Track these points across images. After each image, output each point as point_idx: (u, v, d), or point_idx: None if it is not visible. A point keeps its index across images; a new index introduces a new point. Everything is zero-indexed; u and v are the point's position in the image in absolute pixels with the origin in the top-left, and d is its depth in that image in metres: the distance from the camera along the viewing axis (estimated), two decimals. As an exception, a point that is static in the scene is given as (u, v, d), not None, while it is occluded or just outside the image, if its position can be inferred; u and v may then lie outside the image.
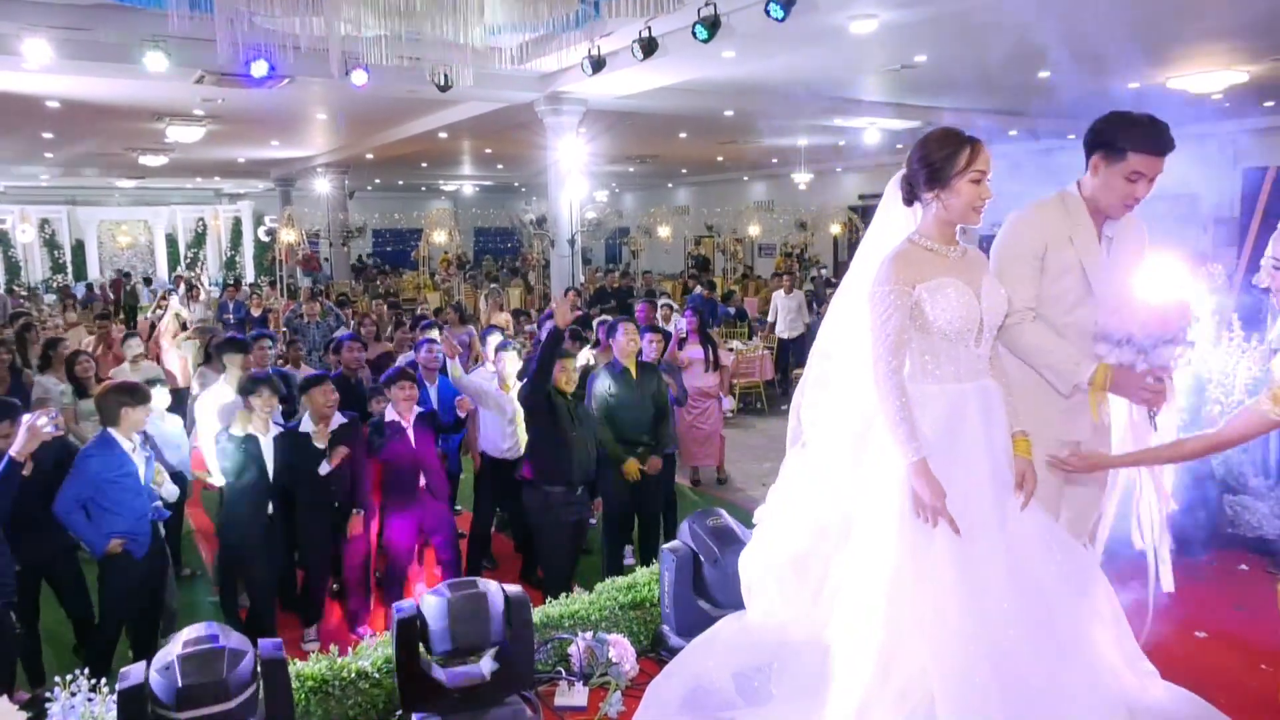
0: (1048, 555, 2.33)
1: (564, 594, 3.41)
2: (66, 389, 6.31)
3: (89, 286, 21.60)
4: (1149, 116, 2.60)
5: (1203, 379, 4.63)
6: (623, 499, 5.33)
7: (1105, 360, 2.57)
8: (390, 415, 5.03)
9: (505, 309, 12.21)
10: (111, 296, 19.67)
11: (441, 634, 2.52)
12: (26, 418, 3.59)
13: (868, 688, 2.26)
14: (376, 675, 2.73)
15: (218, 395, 5.49)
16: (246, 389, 4.81)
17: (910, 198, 2.49)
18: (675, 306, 11.16)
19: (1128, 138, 2.58)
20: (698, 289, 14.41)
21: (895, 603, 2.28)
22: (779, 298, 11.96)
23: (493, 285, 15.62)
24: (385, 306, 12.63)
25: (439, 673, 2.62)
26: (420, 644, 2.57)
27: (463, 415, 5.43)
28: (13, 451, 3.57)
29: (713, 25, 7.62)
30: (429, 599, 2.61)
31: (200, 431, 5.46)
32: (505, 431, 5.59)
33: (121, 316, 16.05)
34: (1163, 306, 2.54)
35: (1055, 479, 2.63)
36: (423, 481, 5.01)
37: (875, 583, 2.33)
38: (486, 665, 2.66)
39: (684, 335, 7.65)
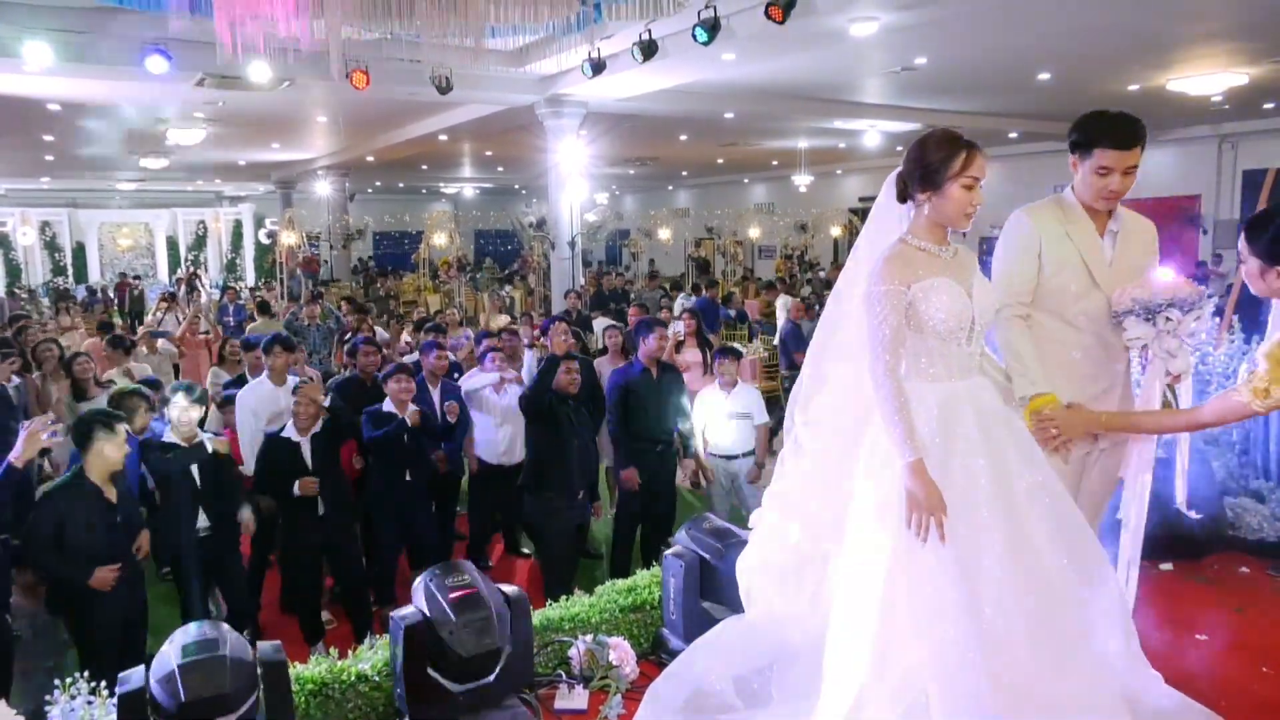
0: (1054, 550, 2.31)
1: (564, 597, 3.41)
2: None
3: (90, 289, 21.59)
4: (1119, 112, 2.68)
5: (1204, 379, 4.63)
6: (635, 500, 5.35)
7: (1129, 335, 2.65)
8: (387, 407, 5.14)
9: (505, 310, 12.22)
10: (115, 299, 19.66)
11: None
12: (27, 423, 3.58)
13: (863, 684, 2.25)
14: (376, 678, 2.72)
15: (256, 390, 5.75)
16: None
17: (903, 196, 2.50)
18: (674, 308, 11.18)
19: (1093, 133, 2.66)
20: (700, 292, 14.41)
21: (891, 599, 2.26)
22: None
23: (493, 287, 15.62)
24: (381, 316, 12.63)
25: (437, 675, 2.61)
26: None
27: (452, 420, 5.41)
28: (12, 457, 3.56)
29: (713, 28, 7.63)
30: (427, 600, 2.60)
31: (241, 425, 5.63)
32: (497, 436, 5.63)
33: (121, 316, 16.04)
34: (1176, 282, 2.65)
35: (1081, 449, 2.67)
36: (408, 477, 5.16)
37: (871, 579, 2.31)
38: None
39: (681, 339, 7.64)
